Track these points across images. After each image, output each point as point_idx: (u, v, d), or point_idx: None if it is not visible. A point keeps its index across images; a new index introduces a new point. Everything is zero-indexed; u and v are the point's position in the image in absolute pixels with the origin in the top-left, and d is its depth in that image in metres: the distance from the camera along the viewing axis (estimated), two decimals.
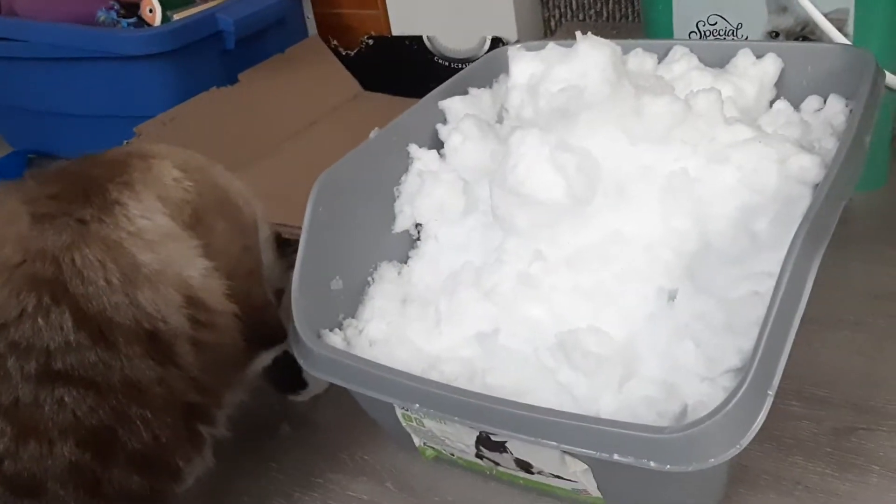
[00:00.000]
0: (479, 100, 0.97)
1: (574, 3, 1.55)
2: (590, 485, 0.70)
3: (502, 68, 1.04)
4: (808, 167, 0.73)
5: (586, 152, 0.76)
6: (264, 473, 0.87)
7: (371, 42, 1.66)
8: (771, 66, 0.90)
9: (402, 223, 0.92)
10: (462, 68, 1.60)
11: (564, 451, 0.66)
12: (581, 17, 1.56)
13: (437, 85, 1.60)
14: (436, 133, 0.97)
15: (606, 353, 0.72)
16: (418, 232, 0.93)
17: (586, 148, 0.76)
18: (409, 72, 1.63)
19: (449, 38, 1.58)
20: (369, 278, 0.89)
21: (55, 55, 1.45)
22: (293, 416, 0.93)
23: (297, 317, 0.78)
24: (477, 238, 0.88)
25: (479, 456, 0.75)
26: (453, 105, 0.97)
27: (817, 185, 0.73)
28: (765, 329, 0.60)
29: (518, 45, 0.82)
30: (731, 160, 0.76)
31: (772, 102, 0.91)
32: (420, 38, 1.61)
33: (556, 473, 0.71)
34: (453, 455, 0.78)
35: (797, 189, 0.74)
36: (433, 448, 0.79)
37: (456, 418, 0.69)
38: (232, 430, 0.90)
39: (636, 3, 1.51)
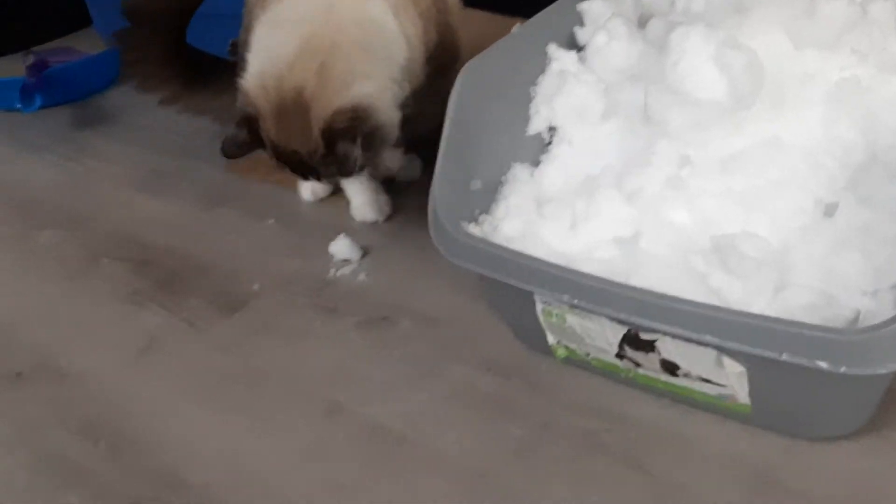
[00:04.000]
0: (621, 3, 0.94)
1: None
2: (741, 390, 0.68)
3: None
4: None
5: (753, 52, 0.73)
6: (386, 361, 0.87)
7: None
8: None
9: (537, 125, 0.90)
10: None
11: (724, 351, 0.65)
12: None
13: (533, 5, 1.55)
14: (571, 37, 0.94)
15: (764, 258, 0.70)
16: (550, 136, 0.91)
17: (753, 47, 0.73)
18: None
19: None
20: (503, 178, 0.87)
21: None
22: (413, 311, 0.93)
23: (439, 207, 0.77)
24: (615, 143, 0.86)
25: (619, 356, 0.74)
26: (594, 6, 0.94)
27: None
28: None
29: None
30: None
31: None
32: None
33: (705, 377, 0.70)
34: (588, 355, 0.77)
35: None
36: (567, 347, 0.78)
37: (609, 311, 0.68)
38: (355, 323, 0.92)
39: None
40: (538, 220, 0.82)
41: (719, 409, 0.73)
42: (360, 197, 1.08)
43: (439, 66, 1.03)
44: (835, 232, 0.72)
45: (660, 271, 0.75)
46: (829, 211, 0.73)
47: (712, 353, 0.66)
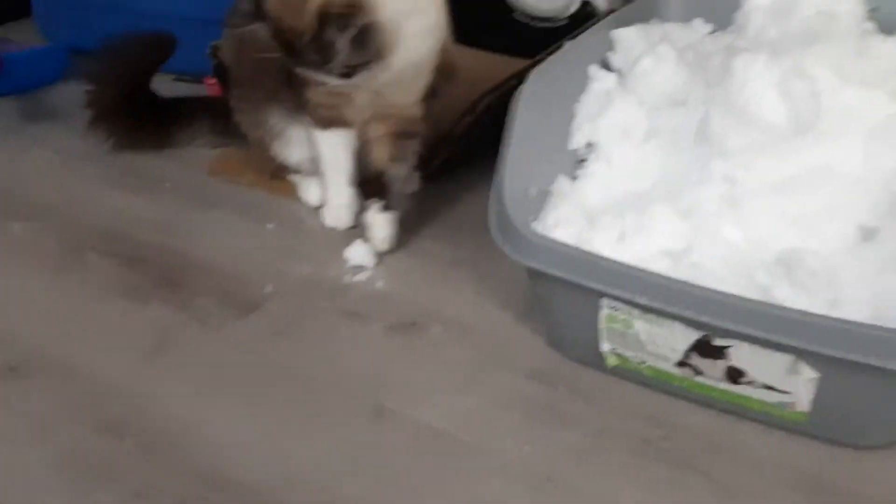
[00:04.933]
0: (650, 33, 0.98)
1: None
2: (805, 397, 0.71)
3: (653, 13, 1.06)
4: None
5: (815, 82, 0.78)
6: (424, 366, 0.85)
7: None
8: None
9: (579, 140, 0.92)
10: (543, 27, 1.61)
11: (804, 356, 0.68)
12: None
13: (514, 40, 1.60)
14: (604, 61, 0.98)
15: (828, 273, 0.74)
16: (587, 153, 0.93)
17: (815, 77, 0.78)
18: (484, 25, 1.62)
19: None
20: (551, 188, 0.88)
21: None
22: (443, 318, 0.91)
23: (510, 208, 0.78)
24: (655, 163, 0.89)
25: (680, 364, 0.76)
26: (626, 35, 0.98)
27: None
28: None
29: None
30: None
31: None
32: None
33: (769, 384, 0.72)
34: (643, 363, 0.78)
35: None
36: (620, 355, 0.79)
37: (691, 314, 0.70)
38: (382, 328, 0.90)
39: None
40: (589, 230, 0.84)
41: (773, 417, 0.75)
42: (384, 230, 1.03)
43: (435, 88, 1.04)
44: (880, 254, 0.77)
45: (716, 284, 0.78)
46: (871, 235, 0.79)
47: (788, 358, 0.69)
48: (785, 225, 0.79)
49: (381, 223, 1.02)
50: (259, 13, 0.93)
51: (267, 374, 0.85)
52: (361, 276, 0.99)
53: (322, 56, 0.89)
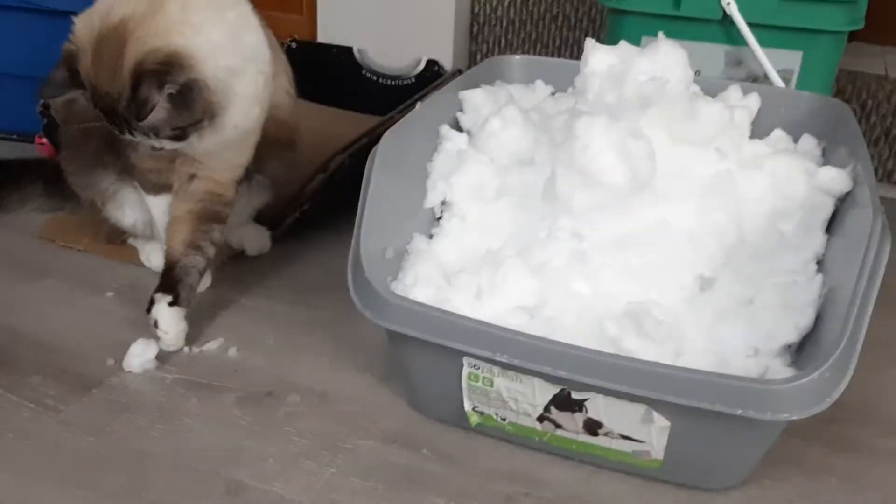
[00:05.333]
0: (496, 94, 1.01)
1: (501, 41, 1.65)
2: (658, 445, 0.74)
3: (497, 75, 1.09)
4: (836, 178, 0.84)
5: (651, 142, 0.82)
6: (285, 438, 0.82)
7: (294, 45, 1.64)
8: (754, 102, 1.02)
9: (433, 199, 0.93)
10: (391, 85, 1.64)
11: (656, 405, 0.70)
12: (507, 52, 1.65)
13: (362, 97, 1.62)
14: (454, 120, 1.00)
15: (671, 323, 0.77)
16: (441, 210, 0.94)
17: (650, 138, 0.82)
18: (333, 82, 1.63)
19: (381, 54, 1.60)
20: (408, 247, 0.88)
21: None
22: (298, 386, 0.89)
23: (368, 271, 0.77)
24: (507, 219, 0.91)
25: (541, 418, 0.77)
26: (474, 96, 1.00)
27: (841, 195, 0.85)
28: (855, 299, 0.68)
29: (592, 42, 0.87)
30: (765, 168, 0.86)
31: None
32: (349, 49, 1.61)
33: (626, 434, 0.74)
34: (505, 420, 0.79)
35: (821, 198, 0.85)
36: (482, 413, 0.79)
37: (549, 370, 0.71)
38: (236, 399, 0.86)
39: (562, 48, 1.62)
40: (447, 289, 0.84)
41: (629, 465, 0.77)
42: (174, 327, 0.92)
43: (281, 140, 1.03)
44: (717, 303, 0.81)
45: (570, 337, 0.80)
46: (709, 285, 0.83)
47: (642, 408, 0.71)
48: (629, 278, 0.83)
49: (169, 319, 0.92)
50: (75, 81, 0.86)
51: (109, 456, 0.79)
52: (212, 345, 0.95)
53: (139, 115, 0.83)
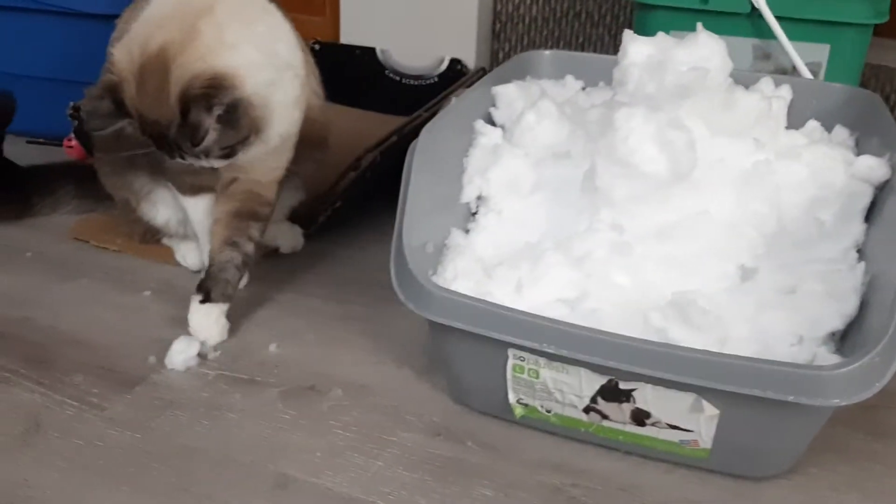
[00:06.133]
0: (528, 89, 1.01)
1: (524, 38, 1.65)
2: (707, 434, 0.74)
3: (527, 70, 1.10)
4: (875, 167, 0.84)
5: (691, 132, 0.82)
6: (331, 431, 0.82)
7: (317, 47, 1.65)
8: (787, 93, 1.03)
9: (469, 194, 0.93)
10: (415, 85, 1.64)
11: (706, 394, 0.70)
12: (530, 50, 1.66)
13: (386, 98, 1.63)
14: (488, 115, 1.01)
15: (716, 312, 0.77)
16: (477, 205, 0.94)
17: (689, 128, 0.82)
18: (356, 83, 1.63)
19: (404, 53, 1.61)
20: (446, 241, 0.89)
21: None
22: (341, 380, 0.89)
23: (412, 265, 0.77)
24: (543, 213, 0.92)
25: (587, 409, 0.77)
26: (507, 91, 1.00)
27: (880, 184, 0.85)
28: None
29: (631, 34, 0.88)
30: (802, 157, 0.86)
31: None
32: (373, 49, 1.62)
33: (674, 423, 0.74)
34: (550, 412, 0.79)
35: (860, 187, 0.85)
36: (527, 405, 0.80)
37: (598, 360, 0.71)
38: (279, 394, 0.87)
39: (585, 45, 1.62)
40: (487, 282, 0.84)
41: (676, 455, 0.77)
42: (211, 324, 0.94)
43: (313, 140, 1.03)
44: (759, 292, 0.81)
45: (612, 328, 0.80)
46: (750, 274, 0.83)
47: (691, 397, 0.71)
48: (670, 269, 0.83)
49: (198, 317, 0.94)
50: (121, 111, 0.87)
51: (156, 452, 0.80)
52: (252, 341, 0.95)
53: (194, 140, 0.84)
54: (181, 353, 0.90)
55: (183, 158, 0.87)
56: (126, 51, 0.86)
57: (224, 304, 0.95)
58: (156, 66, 0.84)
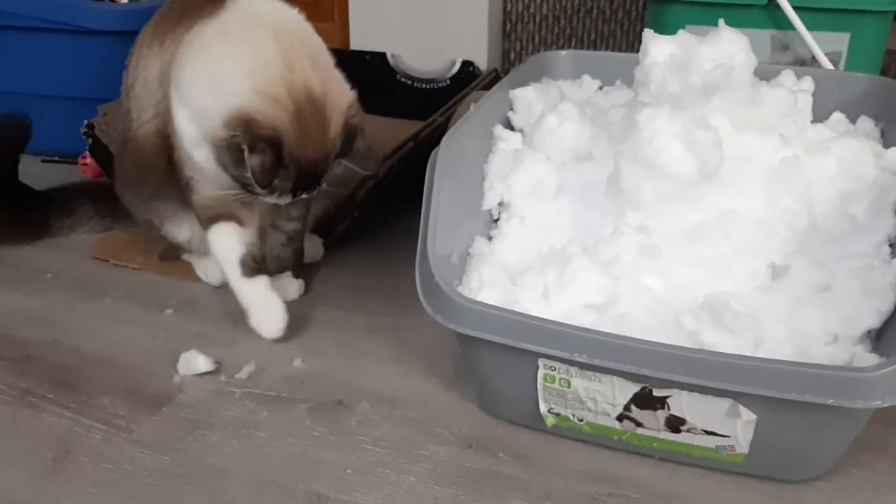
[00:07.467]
0: (546, 91, 1.00)
1: (535, 37, 1.64)
2: (744, 439, 0.72)
3: (544, 71, 1.08)
4: None
5: (717, 131, 0.81)
6: (361, 447, 0.81)
7: None
8: (809, 86, 1.01)
9: (491, 200, 0.92)
10: (426, 88, 1.63)
11: (743, 399, 0.69)
12: (541, 51, 1.64)
13: (398, 103, 1.62)
14: (506, 120, 0.99)
15: (749, 314, 0.76)
16: (499, 212, 0.93)
17: (716, 127, 0.81)
18: (367, 88, 1.62)
19: (414, 58, 1.60)
20: (470, 250, 0.88)
21: (8, 22, 1.30)
22: (368, 393, 0.88)
23: (439, 278, 0.76)
24: (567, 217, 0.90)
25: (620, 418, 0.75)
26: (525, 94, 0.99)
27: None
28: None
29: (651, 33, 0.86)
30: (831, 151, 0.84)
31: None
32: (383, 54, 1.61)
33: (710, 429, 0.73)
34: (582, 421, 0.78)
35: (890, 179, 0.83)
36: (559, 414, 0.78)
37: (631, 368, 0.70)
38: (307, 410, 0.86)
39: (598, 42, 1.61)
40: (514, 290, 0.83)
41: (712, 461, 0.76)
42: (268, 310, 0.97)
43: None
44: (792, 291, 0.80)
45: (643, 333, 0.79)
46: (782, 273, 0.82)
47: (727, 402, 0.70)
48: (701, 270, 0.81)
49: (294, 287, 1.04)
50: (280, 163, 0.86)
51: (187, 473, 0.79)
52: (278, 354, 0.94)
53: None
54: (203, 371, 0.91)
55: (310, 193, 0.90)
56: (272, 103, 0.85)
57: (281, 273, 1.02)
58: (312, 107, 0.87)
